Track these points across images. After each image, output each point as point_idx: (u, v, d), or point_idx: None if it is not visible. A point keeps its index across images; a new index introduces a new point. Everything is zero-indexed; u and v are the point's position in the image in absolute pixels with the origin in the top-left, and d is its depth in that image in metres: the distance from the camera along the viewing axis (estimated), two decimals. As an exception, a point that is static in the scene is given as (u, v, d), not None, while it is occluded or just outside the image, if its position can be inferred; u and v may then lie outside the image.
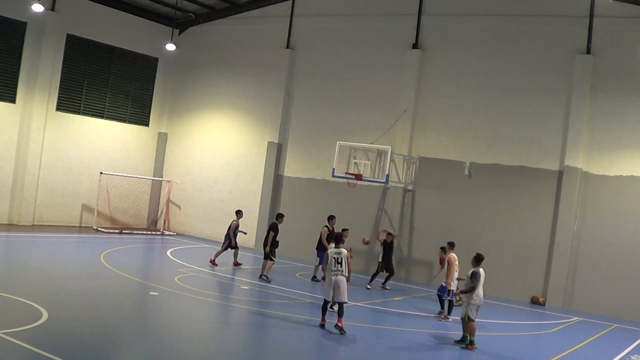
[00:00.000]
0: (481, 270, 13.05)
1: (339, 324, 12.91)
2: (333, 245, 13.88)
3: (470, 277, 12.99)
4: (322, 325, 13.17)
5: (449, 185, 21.70)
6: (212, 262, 19.94)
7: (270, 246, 18.39)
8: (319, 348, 12.37)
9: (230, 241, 20.05)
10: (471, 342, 12.87)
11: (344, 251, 13.32)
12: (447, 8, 22.45)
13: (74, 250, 21.76)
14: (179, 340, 11.50)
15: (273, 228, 18.64)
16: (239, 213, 20.59)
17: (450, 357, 12.76)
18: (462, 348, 12.86)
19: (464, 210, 21.32)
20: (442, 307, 15.87)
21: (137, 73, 28.14)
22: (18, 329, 10.25)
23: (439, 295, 15.94)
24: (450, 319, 15.35)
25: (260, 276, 18.37)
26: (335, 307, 13.53)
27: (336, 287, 13.00)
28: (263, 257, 18.70)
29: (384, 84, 23.21)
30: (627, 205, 19.08)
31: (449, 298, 15.61)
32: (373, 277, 19.23)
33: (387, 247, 19.39)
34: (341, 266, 13.08)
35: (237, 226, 20.29)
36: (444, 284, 15.69)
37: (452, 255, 15.62)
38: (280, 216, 19.33)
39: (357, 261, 20.33)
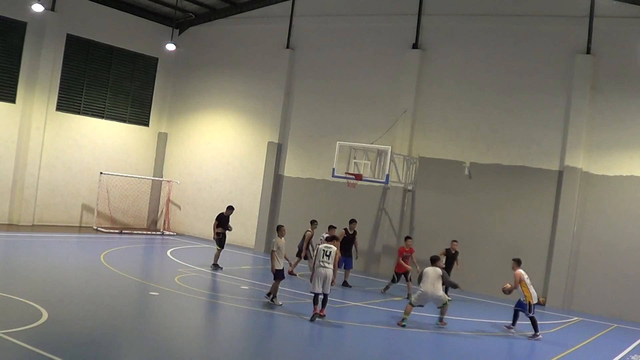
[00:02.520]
0: (430, 269, 14.72)
1: (322, 313, 13.92)
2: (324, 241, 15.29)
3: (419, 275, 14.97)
4: (314, 315, 13.84)
5: (449, 185, 21.69)
6: (290, 272, 19.54)
7: (216, 234, 19.51)
8: (318, 348, 12.37)
9: (300, 251, 19.80)
10: (402, 320, 14.41)
11: (334, 248, 14.25)
12: (447, 8, 22.45)
13: (74, 250, 21.76)
14: (179, 340, 11.51)
15: (217, 217, 19.78)
16: (313, 223, 20.04)
17: (444, 356, 12.77)
18: (398, 323, 14.30)
19: (464, 210, 21.32)
20: (514, 322, 15.09)
21: (137, 73, 28.14)
22: (18, 329, 10.26)
23: (516, 310, 15.05)
24: (540, 336, 14.53)
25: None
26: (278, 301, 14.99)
27: (325, 280, 13.86)
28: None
29: (384, 84, 23.21)
30: (627, 205, 19.08)
31: (530, 314, 14.63)
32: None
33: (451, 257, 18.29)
34: (329, 259, 13.96)
35: (312, 237, 19.66)
36: (522, 300, 14.75)
37: (518, 272, 14.88)
38: (229, 208, 20.02)
39: (359, 262, 20.33)
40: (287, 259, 16.06)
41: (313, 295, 13.95)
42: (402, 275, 18.35)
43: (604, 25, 19.71)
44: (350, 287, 18.86)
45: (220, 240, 19.47)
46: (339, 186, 22.96)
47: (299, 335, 13.06)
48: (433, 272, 14.64)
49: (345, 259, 18.83)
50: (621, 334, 16.32)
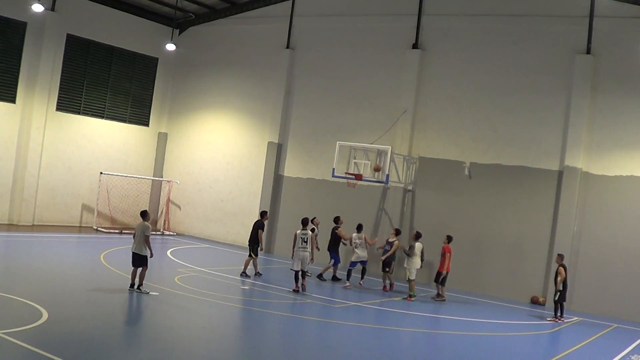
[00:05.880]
0: (419, 244, 18.19)
1: (304, 283, 16.91)
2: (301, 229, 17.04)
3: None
4: (295, 291, 16.66)
5: (449, 185, 21.69)
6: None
7: (254, 243, 18.81)
8: (318, 348, 12.37)
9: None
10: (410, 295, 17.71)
11: (310, 232, 16.95)
12: (447, 8, 22.45)
13: (74, 250, 21.76)
14: (178, 340, 11.50)
15: (260, 226, 19.04)
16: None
17: (444, 355, 12.78)
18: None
19: (464, 210, 21.31)
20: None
21: (137, 73, 28.14)
22: (18, 329, 10.26)
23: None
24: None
25: (249, 273, 18.77)
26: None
27: (303, 261, 16.74)
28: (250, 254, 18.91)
29: (384, 84, 23.21)
30: (627, 205, 19.07)
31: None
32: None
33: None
34: (307, 244, 16.76)
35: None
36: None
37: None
38: (264, 214, 19.95)
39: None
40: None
41: (294, 273, 16.69)
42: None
43: (604, 25, 19.71)
44: (340, 280, 19.78)
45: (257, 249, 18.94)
46: (339, 186, 22.96)
47: (298, 335, 13.07)
48: (420, 246, 18.21)
49: (335, 255, 19.95)
50: (621, 334, 16.31)
